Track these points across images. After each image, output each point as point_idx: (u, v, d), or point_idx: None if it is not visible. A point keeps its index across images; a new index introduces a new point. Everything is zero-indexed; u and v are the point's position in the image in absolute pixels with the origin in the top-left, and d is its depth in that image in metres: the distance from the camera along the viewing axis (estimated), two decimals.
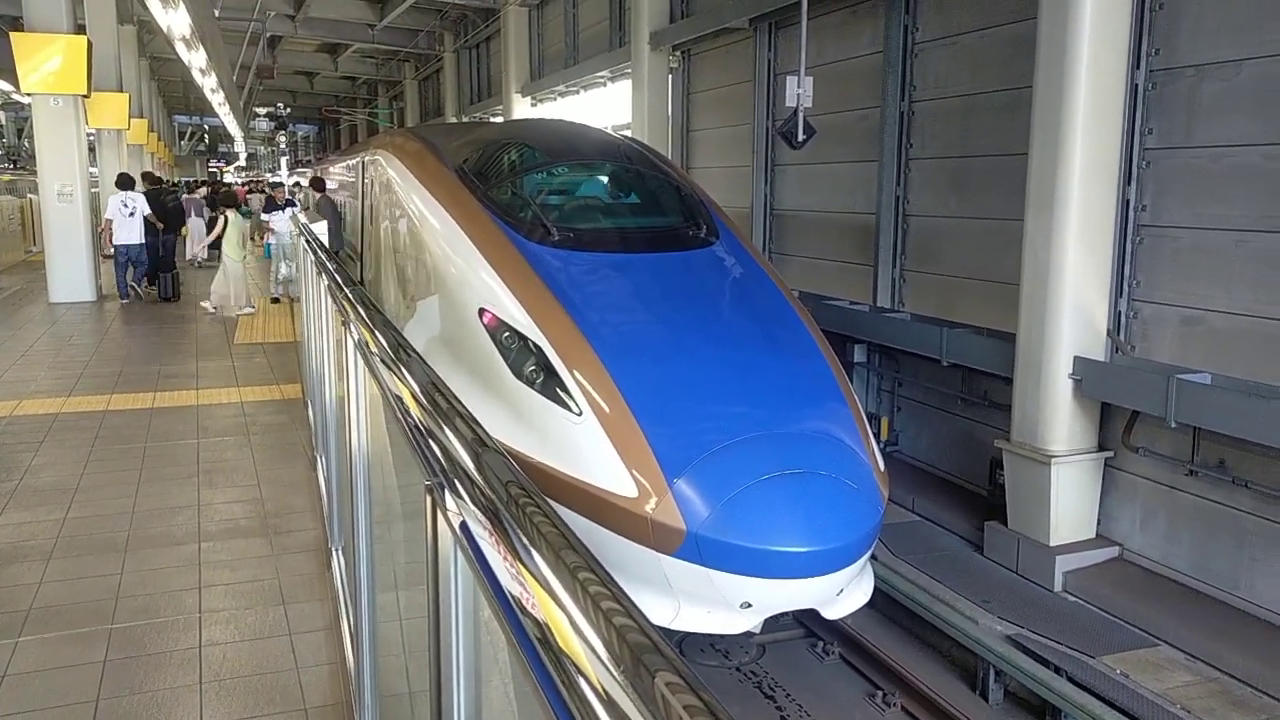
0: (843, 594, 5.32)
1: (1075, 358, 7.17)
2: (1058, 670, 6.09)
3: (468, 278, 6.31)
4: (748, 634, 5.74)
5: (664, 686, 0.73)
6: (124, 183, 14.47)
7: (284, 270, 14.13)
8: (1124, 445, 7.28)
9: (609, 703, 0.76)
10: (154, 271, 14.52)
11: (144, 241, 14.08)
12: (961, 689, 6.47)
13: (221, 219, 13.28)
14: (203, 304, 13.10)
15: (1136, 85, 7.07)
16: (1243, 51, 6.43)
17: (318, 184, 16.24)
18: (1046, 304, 7.21)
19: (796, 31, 9.79)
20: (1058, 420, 7.28)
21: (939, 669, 6.70)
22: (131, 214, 13.95)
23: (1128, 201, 7.18)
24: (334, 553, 4.46)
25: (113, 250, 13.98)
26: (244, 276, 13.24)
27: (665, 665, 0.76)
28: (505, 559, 1.06)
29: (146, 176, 16.93)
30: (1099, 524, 7.49)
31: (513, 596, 1.02)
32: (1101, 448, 7.42)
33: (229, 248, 12.98)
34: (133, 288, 14.16)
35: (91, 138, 19.37)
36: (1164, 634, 6.44)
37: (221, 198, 14.28)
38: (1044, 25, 7.13)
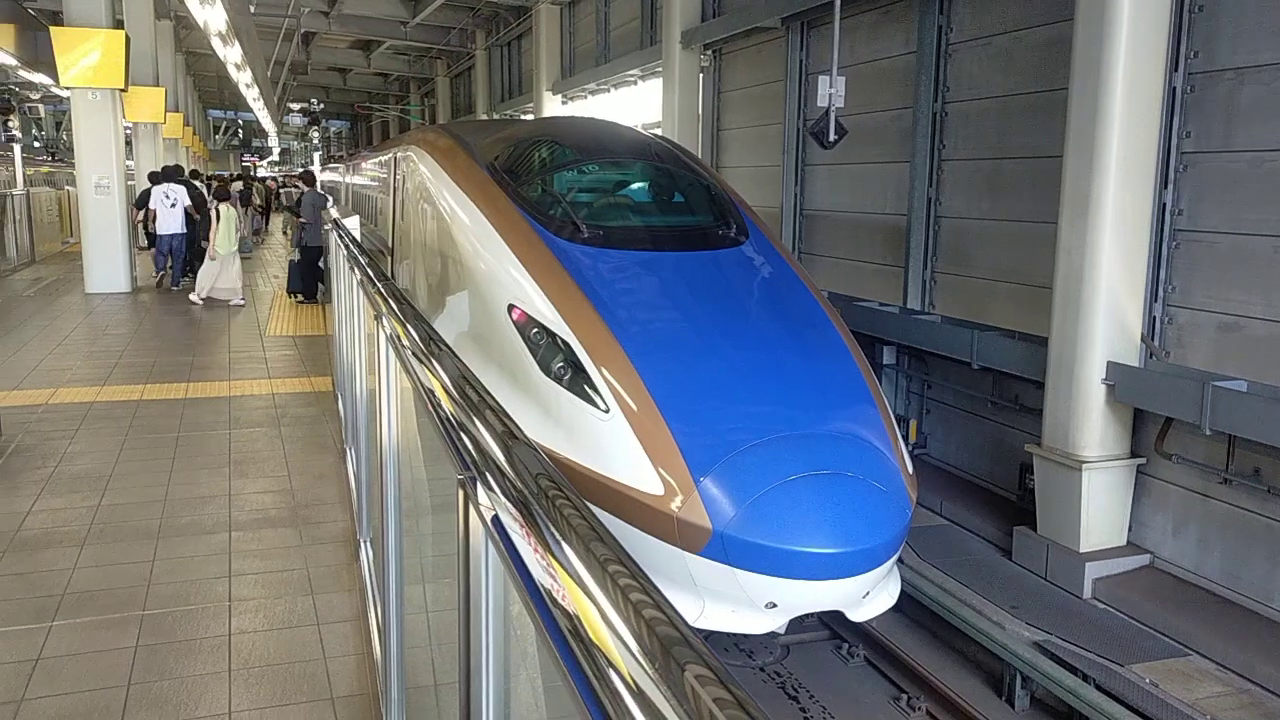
0: (869, 597, 5.29)
1: (1109, 363, 7.10)
2: (1086, 678, 6.03)
3: (497, 274, 6.34)
4: (772, 634, 5.72)
5: (694, 679, 0.73)
6: (167, 175, 14.97)
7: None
8: (1157, 452, 7.20)
9: (639, 695, 0.76)
10: (190, 261, 14.90)
11: (184, 232, 14.51)
12: (988, 695, 6.43)
13: (215, 212, 13.35)
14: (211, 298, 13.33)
15: (1174, 88, 6.98)
16: None
17: (308, 178, 16.17)
18: (1080, 308, 7.14)
19: (829, 31, 9.75)
20: (1090, 425, 7.21)
21: (965, 674, 6.66)
22: (173, 205, 14.34)
23: (1164, 205, 7.09)
24: (362, 544, 4.50)
25: (147, 240, 14.45)
26: (213, 271, 13.27)
27: (695, 658, 0.76)
28: (536, 551, 1.07)
29: (166, 170, 17.15)
30: (1130, 531, 7.41)
31: (543, 589, 1.03)
32: (1134, 454, 7.34)
33: (218, 240, 13.11)
34: (161, 277, 14.71)
35: (128, 131, 19.62)
36: (1195, 644, 6.36)
37: (215, 191, 14.36)
38: (1080, 26, 7.06)
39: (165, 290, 14.55)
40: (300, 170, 22.35)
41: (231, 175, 31.94)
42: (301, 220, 13.86)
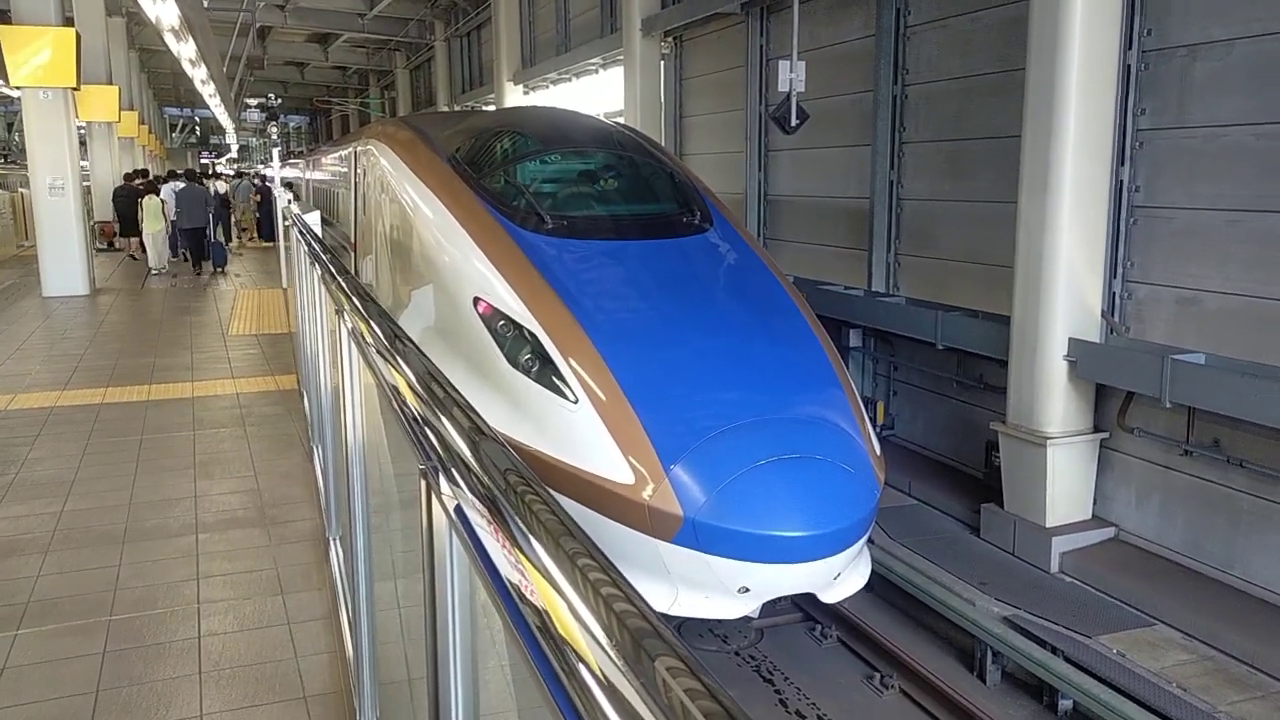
0: (840, 578, 5.33)
1: (1070, 339, 7.18)
2: (1055, 651, 6.12)
3: (462, 267, 6.30)
4: (746, 619, 5.76)
5: (665, 671, 0.73)
6: (173, 176, 19.41)
7: None
8: (1119, 426, 7.30)
9: (609, 688, 0.76)
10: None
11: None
12: (960, 670, 6.51)
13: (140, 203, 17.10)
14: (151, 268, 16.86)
15: (1129, 66, 7.06)
16: (1234, 31, 6.42)
17: (190, 175, 19.75)
18: (1041, 286, 7.21)
19: (789, 16, 9.76)
20: (1053, 402, 7.29)
21: (937, 651, 6.73)
22: None
23: (1121, 182, 7.18)
24: (331, 542, 4.47)
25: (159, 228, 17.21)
26: (156, 243, 16.97)
27: (666, 650, 0.76)
28: (504, 547, 1.06)
29: (171, 173, 21.63)
30: (1095, 505, 7.52)
31: (511, 584, 1.02)
32: (1097, 429, 7.44)
33: (146, 223, 16.79)
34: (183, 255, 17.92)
35: (82, 131, 19.29)
36: (1160, 613, 6.47)
37: (145, 186, 18.28)
38: (1036, 6, 7.12)
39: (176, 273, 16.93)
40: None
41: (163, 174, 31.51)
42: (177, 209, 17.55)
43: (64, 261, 13.93)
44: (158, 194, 17.61)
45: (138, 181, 19.42)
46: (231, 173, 39.68)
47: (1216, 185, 6.60)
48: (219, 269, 17.08)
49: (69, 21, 14.38)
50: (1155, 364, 6.53)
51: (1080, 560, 7.13)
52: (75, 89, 14.08)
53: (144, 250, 17.83)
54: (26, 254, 18.98)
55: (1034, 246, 7.23)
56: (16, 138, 38.02)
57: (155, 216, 16.83)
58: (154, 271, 16.73)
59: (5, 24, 13.76)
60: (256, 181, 29.18)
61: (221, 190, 19.95)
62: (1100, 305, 7.26)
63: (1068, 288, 7.14)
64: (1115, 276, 7.30)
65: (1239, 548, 6.60)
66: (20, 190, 22.11)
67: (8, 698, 3.41)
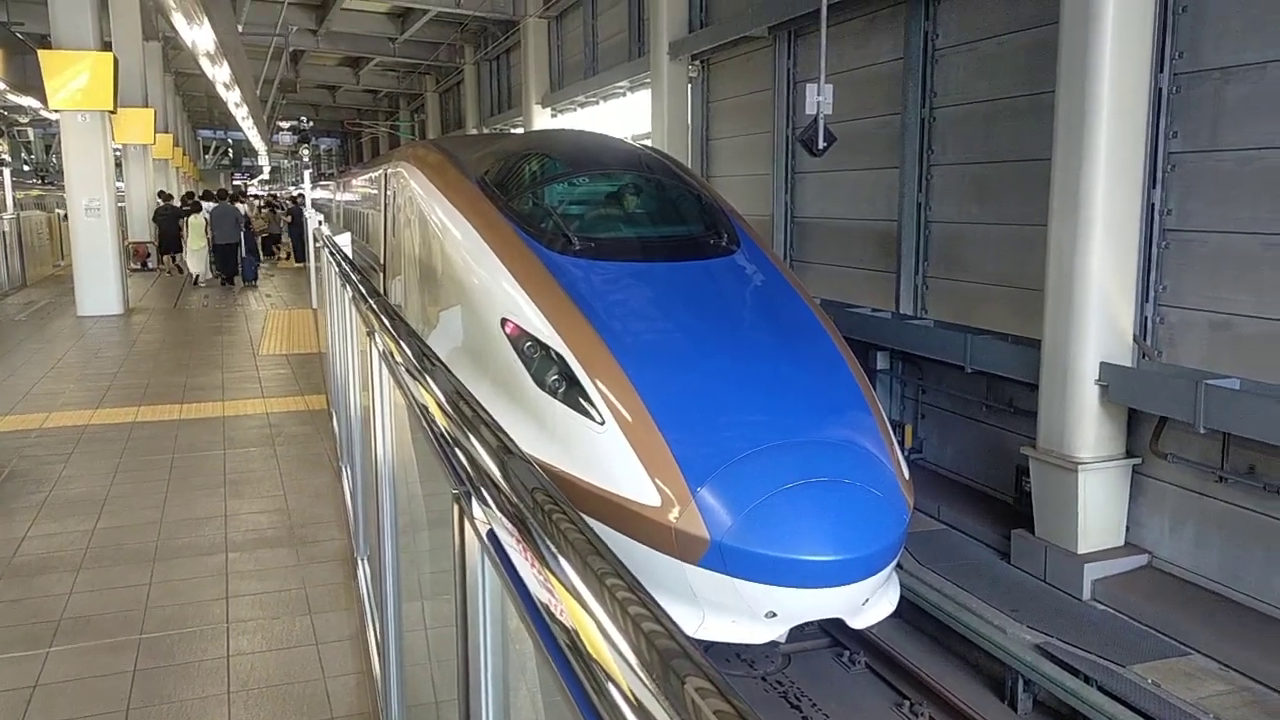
0: (868, 603, 5.28)
1: (1101, 363, 7.11)
2: (1087, 679, 6.02)
3: (490, 288, 6.33)
4: (773, 643, 5.71)
5: (694, 692, 0.73)
6: (221, 195, 21.04)
7: None
8: (1152, 452, 7.21)
9: (639, 708, 0.76)
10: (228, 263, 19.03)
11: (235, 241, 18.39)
12: (990, 699, 6.42)
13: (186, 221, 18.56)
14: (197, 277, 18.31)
15: (1160, 89, 7.02)
16: (1268, 53, 6.37)
17: (221, 195, 21.77)
18: (1072, 310, 7.16)
19: (816, 39, 9.79)
20: (1084, 427, 7.22)
21: (967, 678, 6.65)
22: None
23: (1153, 205, 7.12)
24: (360, 562, 4.48)
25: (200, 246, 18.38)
26: (200, 258, 18.37)
27: (695, 670, 0.76)
28: (533, 566, 1.06)
29: (207, 193, 23.12)
30: (1128, 531, 7.42)
31: (541, 604, 1.02)
32: (1129, 454, 7.35)
33: (191, 240, 18.26)
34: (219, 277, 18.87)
35: (118, 153, 19.62)
36: (1195, 643, 6.36)
37: (190, 206, 19.41)
38: (1066, 29, 7.10)
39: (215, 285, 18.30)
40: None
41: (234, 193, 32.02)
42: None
43: (99, 281, 14.11)
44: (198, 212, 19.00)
45: (177, 202, 20.66)
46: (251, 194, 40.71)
47: (1251, 208, 6.53)
48: (249, 283, 18.47)
49: (107, 46, 14.65)
50: (1189, 389, 6.45)
51: (1113, 588, 7.03)
52: (112, 112, 14.33)
53: (179, 269, 19.23)
54: (62, 274, 19.28)
55: (1065, 270, 7.18)
56: (54, 159, 38.71)
57: (198, 234, 18.24)
58: (197, 283, 18.18)
59: (45, 49, 14.04)
60: (288, 202, 29.52)
61: (244, 211, 20.64)
62: (1132, 329, 7.19)
63: (1099, 311, 7.08)
64: (1147, 300, 7.23)
65: (1276, 575, 6.48)
66: (57, 211, 22.48)
67: (40, 715, 3.44)
